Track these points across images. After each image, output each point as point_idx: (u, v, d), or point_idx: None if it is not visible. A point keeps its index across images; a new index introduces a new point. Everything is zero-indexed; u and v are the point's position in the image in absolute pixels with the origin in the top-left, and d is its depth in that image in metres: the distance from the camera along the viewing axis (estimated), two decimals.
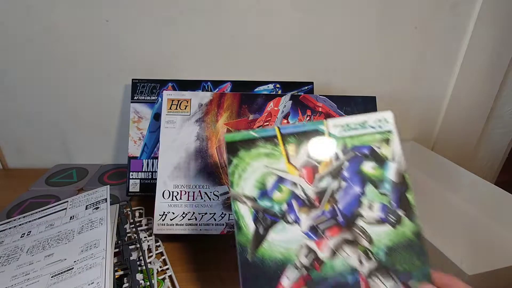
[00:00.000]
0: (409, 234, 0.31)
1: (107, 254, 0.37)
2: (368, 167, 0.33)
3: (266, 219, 0.32)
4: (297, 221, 0.32)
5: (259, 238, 0.31)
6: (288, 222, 0.32)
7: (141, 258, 0.43)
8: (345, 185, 0.32)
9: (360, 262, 0.30)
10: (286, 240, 0.31)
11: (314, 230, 0.31)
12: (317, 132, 0.33)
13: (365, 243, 0.31)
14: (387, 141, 0.33)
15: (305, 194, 0.32)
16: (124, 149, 0.71)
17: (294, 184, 0.32)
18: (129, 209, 0.52)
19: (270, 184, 0.32)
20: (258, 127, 0.51)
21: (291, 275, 0.30)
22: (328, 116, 0.53)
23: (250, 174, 0.32)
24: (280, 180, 0.32)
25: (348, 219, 0.32)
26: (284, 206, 0.32)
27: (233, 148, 0.33)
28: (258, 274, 0.30)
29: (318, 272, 0.30)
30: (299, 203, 0.32)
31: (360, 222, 0.31)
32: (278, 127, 0.33)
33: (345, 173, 0.33)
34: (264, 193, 0.32)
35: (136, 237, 0.46)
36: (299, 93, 0.60)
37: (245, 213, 0.32)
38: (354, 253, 0.31)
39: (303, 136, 0.33)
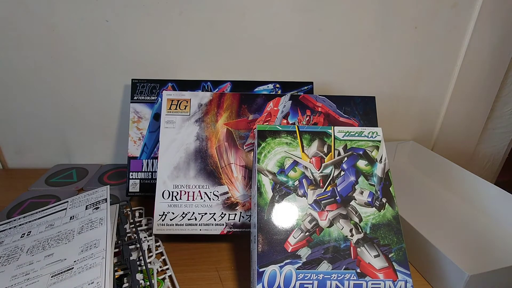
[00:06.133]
0: (389, 217, 0.39)
1: (107, 254, 0.37)
2: (362, 164, 0.42)
3: (282, 190, 0.40)
4: (305, 195, 0.40)
5: (274, 203, 0.39)
6: (298, 195, 0.40)
7: (141, 258, 0.43)
8: (343, 174, 0.41)
9: (351, 232, 0.38)
10: (295, 208, 0.39)
11: (318, 204, 0.40)
12: (326, 134, 0.43)
13: (355, 219, 0.39)
14: (377, 148, 0.43)
15: (313, 176, 0.41)
16: (124, 149, 0.71)
17: (306, 167, 0.41)
18: (129, 209, 0.52)
19: (287, 165, 0.41)
20: None
21: (297, 235, 0.38)
22: (327, 116, 0.53)
23: (273, 155, 0.42)
24: (295, 163, 0.42)
25: (344, 199, 0.40)
26: (296, 182, 0.40)
27: (262, 135, 0.43)
28: (272, 230, 0.38)
29: (318, 236, 0.38)
30: (308, 182, 0.41)
31: (353, 203, 0.40)
32: (297, 126, 0.44)
33: (344, 165, 0.42)
34: (282, 170, 0.41)
35: (136, 237, 0.46)
36: (298, 93, 0.60)
37: (266, 183, 0.40)
38: (347, 225, 0.39)
39: (315, 135, 0.43)
